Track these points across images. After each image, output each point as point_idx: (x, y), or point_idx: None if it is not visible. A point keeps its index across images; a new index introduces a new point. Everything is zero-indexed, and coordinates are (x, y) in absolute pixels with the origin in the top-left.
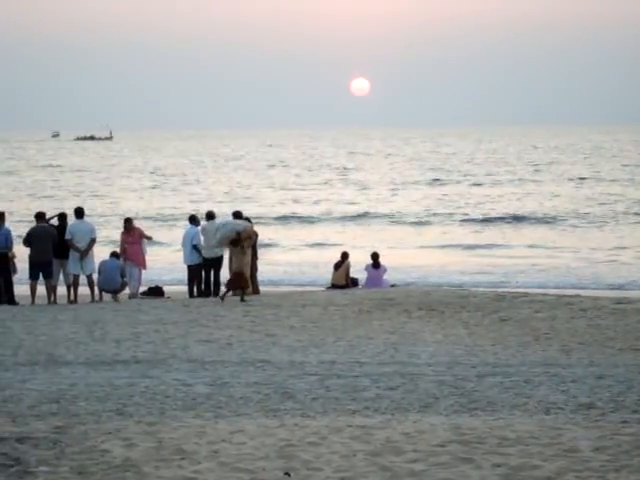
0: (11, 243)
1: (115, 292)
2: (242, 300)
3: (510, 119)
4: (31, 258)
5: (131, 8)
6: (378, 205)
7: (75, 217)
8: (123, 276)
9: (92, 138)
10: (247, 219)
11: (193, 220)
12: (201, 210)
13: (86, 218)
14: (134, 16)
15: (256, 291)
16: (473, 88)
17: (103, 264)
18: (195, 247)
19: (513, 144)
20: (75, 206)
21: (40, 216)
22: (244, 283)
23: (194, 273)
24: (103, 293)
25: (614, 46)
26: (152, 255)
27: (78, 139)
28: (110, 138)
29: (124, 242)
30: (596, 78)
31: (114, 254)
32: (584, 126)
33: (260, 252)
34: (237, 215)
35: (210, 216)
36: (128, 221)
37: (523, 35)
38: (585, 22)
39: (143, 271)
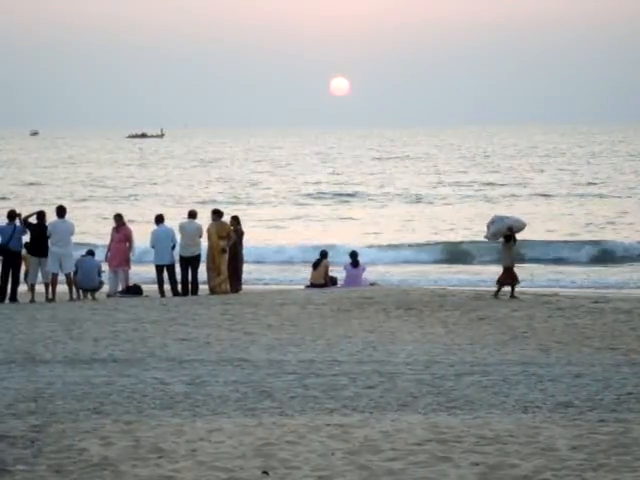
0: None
1: (93, 290)
2: (512, 296)
3: (495, 118)
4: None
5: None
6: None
7: (57, 216)
8: (100, 275)
9: (144, 136)
10: (235, 217)
11: (161, 220)
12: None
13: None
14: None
15: (235, 289)
16: (453, 87)
17: (81, 262)
18: (173, 247)
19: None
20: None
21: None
22: (514, 279)
23: (169, 273)
24: (81, 291)
25: (607, 45)
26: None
27: (130, 137)
28: (161, 136)
29: (111, 240)
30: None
31: (90, 252)
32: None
33: None
34: (217, 213)
35: (192, 215)
36: (118, 217)
37: (507, 35)
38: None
39: (129, 271)
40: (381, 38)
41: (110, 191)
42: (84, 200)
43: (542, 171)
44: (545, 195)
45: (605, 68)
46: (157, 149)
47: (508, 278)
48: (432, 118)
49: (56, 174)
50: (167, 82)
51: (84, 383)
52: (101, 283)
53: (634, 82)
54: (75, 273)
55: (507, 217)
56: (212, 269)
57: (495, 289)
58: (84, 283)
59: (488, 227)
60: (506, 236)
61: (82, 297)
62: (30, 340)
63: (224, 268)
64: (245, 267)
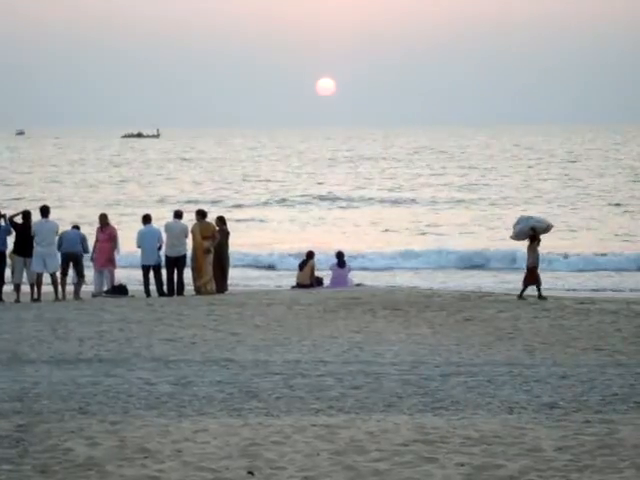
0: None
1: (76, 259)
2: (540, 297)
3: (482, 119)
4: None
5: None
6: None
7: (40, 216)
8: (85, 248)
9: (139, 135)
10: (220, 218)
11: (148, 220)
12: None
13: None
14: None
15: (220, 289)
16: (439, 87)
17: (65, 234)
18: (159, 247)
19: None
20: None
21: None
22: (536, 280)
23: (155, 273)
24: (67, 281)
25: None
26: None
27: (125, 136)
28: (157, 136)
29: (96, 240)
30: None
31: (75, 227)
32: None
33: None
34: (201, 213)
35: (178, 215)
36: (103, 217)
37: (493, 36)
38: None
39: (115, 271)
40: (367, 38)
41: (93, 190)
42: (68, 200)
43: (527, 173)
44: (538, 197)
45: (606, 68)
46: (144, 149)
47: (532, 279)
48: (417, 118)
49: (37, 174)
50: (164, 82)
51: (70, 383)
52: (82, 254)
53: (635, 83)
54: (60, 246)
55: (532, 217)
56: (196, 269)
57: (523, 290)
58: (68, 249)
59: (514, 227)
60: (530, 236)
61: (64, 294)
62: (15, 340)
63: (209, 268)
64: (239, 272)
